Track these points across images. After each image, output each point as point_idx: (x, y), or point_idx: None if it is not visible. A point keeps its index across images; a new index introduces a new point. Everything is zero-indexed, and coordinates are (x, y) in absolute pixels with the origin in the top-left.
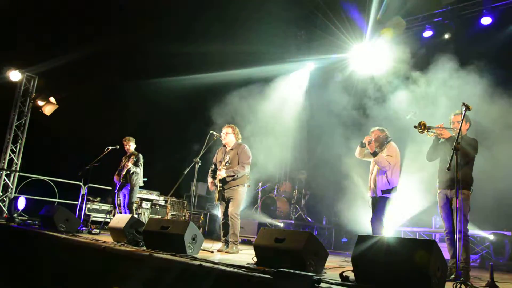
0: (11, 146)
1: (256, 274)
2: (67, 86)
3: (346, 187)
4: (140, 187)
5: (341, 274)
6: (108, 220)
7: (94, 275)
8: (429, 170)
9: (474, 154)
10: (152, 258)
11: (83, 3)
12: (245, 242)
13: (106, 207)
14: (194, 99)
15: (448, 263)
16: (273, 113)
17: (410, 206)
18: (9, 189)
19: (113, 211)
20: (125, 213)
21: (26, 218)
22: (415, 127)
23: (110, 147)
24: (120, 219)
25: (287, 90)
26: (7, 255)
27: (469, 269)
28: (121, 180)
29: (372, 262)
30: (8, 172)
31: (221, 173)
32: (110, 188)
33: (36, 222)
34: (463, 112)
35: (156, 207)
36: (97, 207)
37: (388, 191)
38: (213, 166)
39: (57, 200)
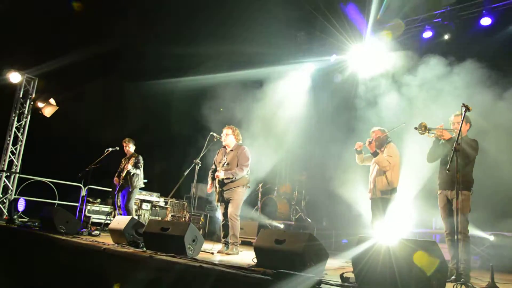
0: (11, 148)
1: (256, 275)
2: (67, 87)
3: (347, 188)
4: (140, 188)
5: (341, 275)
6: (108, 221)
7: (94, 276)
8: (429, 171)
9: (475, 155)
10: (153, 259)
11: (83, 3)
12: (245, 243)
13: (106, 208)
14: (194, 99)
15: (449, 264)
16: (273, 114)
17: (410, 207)
18: (9, 191)
19: (113, 213)
20: (123, 214)
21: (26, 219)
22: (415, 128)
23: (110, 149)
24: (120, 221)
25: (287, 91)
26: (7, 257)
27: (469, 270)
28: (121, 182)
29: (372, 263)
30: (8, 173)
31: (220, 174)
32: (110, 189)
33: (36, 223)
34: (463, 113)
35: (156, 208)
36: (97, 208)
37: (388, 192)
38: (213, 166)
39: (57, 201)
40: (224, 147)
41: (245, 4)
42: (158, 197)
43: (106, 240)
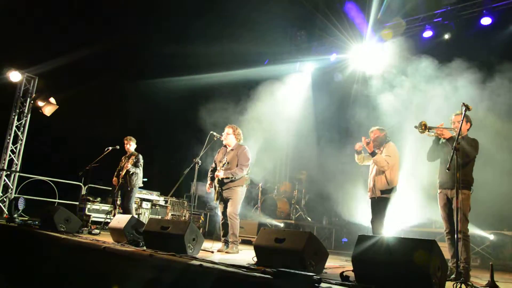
0: (11, 147)
1: (256, 274)
2: (67, 86)
3: (347, 187)
4: (140, 187)
5: (341, 274)
6: (108, 220)
7: (94, 275)
8: (429, 170)
9: (475, 154)
10: (152, 258)
11: (83, 3)
12: (245, 242)
13: (106, 207)
14: (194, 99)
15: (449, 263)
16: (273, 113)
17: (410, 206)
18: (9, 190)
19: (113, 212)
20: (123, 213)
21: (26, 218)
22: (415, 127)
23: (110, 148)
24: (120, 220)
25: (287, 90)
26: (7, 256)
27: (469, 269)
28: (121, 181)
29: (373, 262)
30: (8, 172)
31: (219, 174)
32: (110, 188)
33: (36, 222)
34: (463, 112)
35: (156, 207)
36: (97, 207)
37: (388, 191)
38: (213, 164)
39: (57, 200)
40: (225, 146)
41: (245, 3)
42: (158, 196)
43: (106, 239)
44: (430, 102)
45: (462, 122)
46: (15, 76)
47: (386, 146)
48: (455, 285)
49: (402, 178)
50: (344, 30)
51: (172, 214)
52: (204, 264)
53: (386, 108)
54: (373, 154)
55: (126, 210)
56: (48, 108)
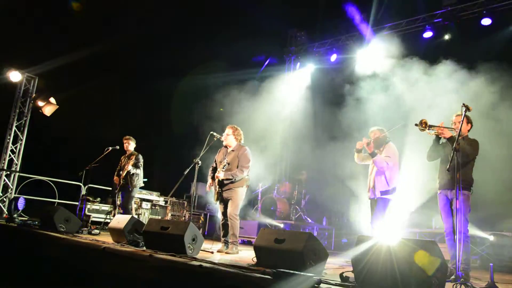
0: (11, 147)
1: (256, 274)
2: (67, 86)
3: (346, 187)
4: (140, 187)
5: (341, 275)
6: (108, 220)
7: (94, 275)
8: (429, 170)
9: (475, 155)
10: (152, 258)
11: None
12: (245, 242)
13: (106, 207)
14: (194, 99)
15: (448, 264)
16: (272, 113)
17: (410, 206)
18: (9, 190)
19: (113, 212)
20: (123, 213)
21: (26, 218)
22: (416, 125)
23: (110, 148)
24: (120, 220)
25: (287, 91)
26: (7, 256)
27: (469, 269)
28: (121, 181)
29: (372, 263)
30: (8, 172)
31: (220, 175)
32: (110, 188)
33: (36, 222)
34: (463, 112)
35: (156, 207)
36: (97, 207)
37: (387, 192)
38: (214, 164)
39: (57, 200)
40: (226, 146)
41: (245, 3)
42: (158, 196)
43: (106, 239)
44: (430, 102)
45: (462, 123)
46: (15, 76)
47: (386, 146)
48: (455, 286)
49: (402, 179)
50: (344, 30)
51: (172, 215)
52: (204, 264)
53: (386, 108)
54: (373, 154)
55: (126, 210)
56: (48, 108)
